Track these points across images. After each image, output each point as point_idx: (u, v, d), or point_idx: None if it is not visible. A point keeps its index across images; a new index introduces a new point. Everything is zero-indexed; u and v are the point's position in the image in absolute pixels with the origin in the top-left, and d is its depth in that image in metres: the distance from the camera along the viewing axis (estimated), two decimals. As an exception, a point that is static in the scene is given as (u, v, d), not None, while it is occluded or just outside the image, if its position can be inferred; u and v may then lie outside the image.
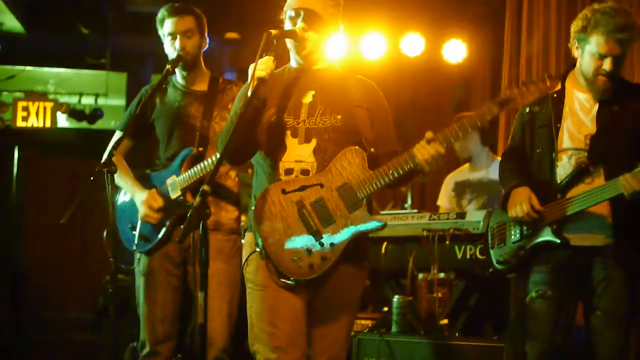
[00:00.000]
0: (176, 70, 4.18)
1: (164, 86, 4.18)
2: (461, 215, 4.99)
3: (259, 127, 3.25)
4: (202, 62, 4.23)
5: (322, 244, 3.13)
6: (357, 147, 3.19)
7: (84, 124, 8.55)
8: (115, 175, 3.94)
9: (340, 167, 3.18)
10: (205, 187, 2.88)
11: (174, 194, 4.10)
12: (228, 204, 4.19)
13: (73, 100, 8.76)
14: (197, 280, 2.95)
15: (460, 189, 5.81)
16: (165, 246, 4.12)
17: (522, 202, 3.74)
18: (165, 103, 4.16)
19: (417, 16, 7.68)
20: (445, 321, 4.93)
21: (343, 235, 3.13)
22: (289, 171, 3.22)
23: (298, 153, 3.22)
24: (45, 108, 8.66)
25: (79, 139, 8.61)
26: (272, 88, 3.28)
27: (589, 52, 3.68)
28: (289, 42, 3.31)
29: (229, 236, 4.14)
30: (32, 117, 8.63)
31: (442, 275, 5.17)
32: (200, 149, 4.11)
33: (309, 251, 3.14)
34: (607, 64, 3.65)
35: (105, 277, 6.71)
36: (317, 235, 3.14)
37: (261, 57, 3.15)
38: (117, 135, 4.22)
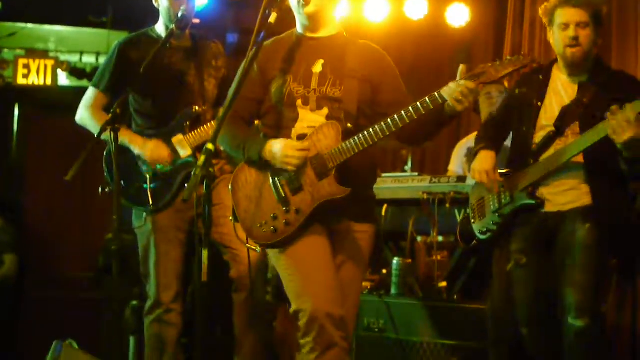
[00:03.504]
0: (161, 24, 4.16)
1: (139, 40, 4.16)
2: (462, 178, 5.01)
3: (267, 95, 3.32)
4: None
5: (288, 210, 3.20)
6: (333, 122, 3.23)
7: (84, 83, 8.49)
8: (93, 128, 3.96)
9: (316, 140, 3.22)
10: (209, 146, 2.91)
11: (184, 153, 4.09)
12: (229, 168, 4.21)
13: (74, 58, 8.69)
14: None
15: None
16: (174, 204, 4.14)
17: (483, 169, 3.88)
18: (148, 59, 4.00)
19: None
20: (444, 284, 4.97)
21: (308, 203, 3.19)
22: (301, 137, 3.26)
23: (311, 119, 3.27)
24: (46, 66, 8.60)
25: (80, 97, 8.55)
26: (279, 55, 3.32)
27: (557, 28, 3.83)
28: (293, 1, 3.30)
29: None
30: (33, 75, 8.57)
31: (441, 238, 5.21)
32: (203, 107, 4.11)
33: (274, 217, 3.21)
34: (570, 31, 3.77)
35: (106, 236, 6.75)
36: (284, 203, 3.21)
37: (264, 14, 3.15)
38: (92, 91, 4.25)
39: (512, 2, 6.99)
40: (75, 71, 8.49)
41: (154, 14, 4.34)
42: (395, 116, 3.12)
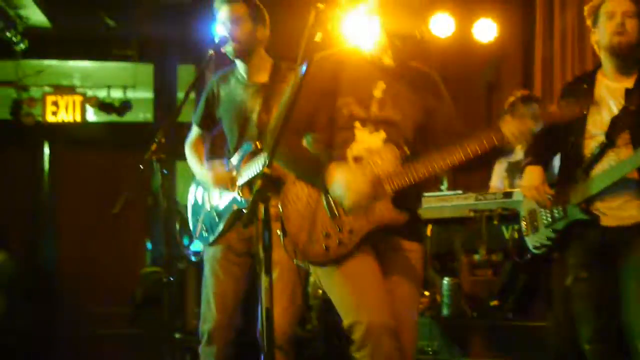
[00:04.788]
0: (236, 61, 4.16)
1: (228, 78, 4.19)
2: (508, 194, 4.95)
3: (323, 110, 3.26)
4: (263, 53, 4.15)
5: (341, 230, 3.14)
6: (391, 145, 3.19)
7: (113, 117, 8.51)
8: (187, 157, 4.00)
9: (373, 162, 3.17)
10: (266, 170, 2.86)
11: (232, 189, 4.10)
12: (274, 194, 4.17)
13: (101, 93, 8.72)
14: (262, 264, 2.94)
15: (515, 169, 5.74)
16: (227, 238, 4.13)
17: (532, 185, 3.79)
18: (228, 96, 4.15)
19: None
20: (496, 302, 4.90)
21: (363, 226, 3.13)
22: (357, 159, 3.21)
23: (368, 141, 3.22)
24: (74, 102, 8.62)
25: (109, 133, 8.59)
26: (338, 71, 3.28)
27: (602, 21, 3.76)
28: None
29: (278, 224, 4.12)
30: (62, 112, 8.60)
31: (478, 257, 5.15)
32: (259, 143, 4.10)
33: (327, 235, 3.15)
34: (617, 18, 3.71)
35: (142, 270, 6.72)
36: (337, 222, 3.15)
37: (310, 34, 3.11)
38: (193, 129, 4.33)
39: (540, 15, 6.95)
40: (103, 106, 8.50)
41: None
42: (459, 149, 3.09)
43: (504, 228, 4.85)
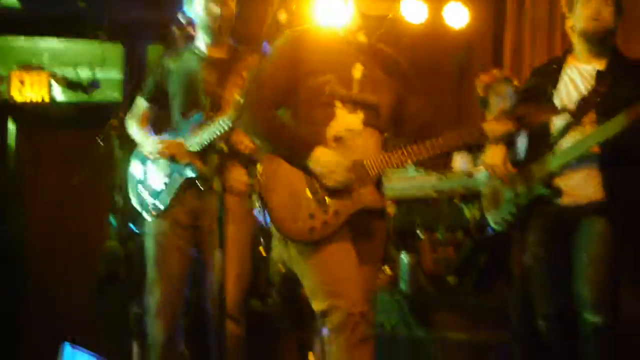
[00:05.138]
0: (201, 35, 4.16)
1: (180, 52, 4.19)
2: (470, 174, 4.96)
3: (302, 87, 3.29)
4: (227, 31, 4.26)
5: (326, 211, 3.16)
6: (372, 129, 3.27)
7: (80, 96, 8.43)
8: (132, 130, 3.98)
9: (354, 144, 3.22)
10: (222, 145, 2.93)
11: (183, 159, 4.09)
12: (238, 167, 4.16)
13: (69, 72, 8.63)
14: (214, 238, 2.96)
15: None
16: (173, 211, 4.10)
17: (494, 162, 3.85)
18: (180, 67, 4.20)
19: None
20: (452, 278, 4.91)
21: (348, 208, 3.19)
22: (337, 139, 3.24)
23: (348, 121, 3.25)
24: (41, 80, 8.53)
25: (76, 111, 8.49)
26: (316, 48, 3.32)
27: (579, 7, 3.85)
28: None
29: (237, 198, 4.10)
30: (28, 90, 8.50)
31: (439, 235, 5.16)
32: (211, 114, 4.08)
33: (312, 215, 3.17)
34: (593, 3, 3.80)
35: (106, 243, 6.67)
36: (321, 203, 3.18)
37: (274, 14, 3.14)
38: (138, 101, 4.39)
39: (511, 1, 6.95)
40: (70, 84, 8.41)
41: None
42: (441, 140, 3.23)
43: (464, 207, 4.86)
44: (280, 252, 3.42)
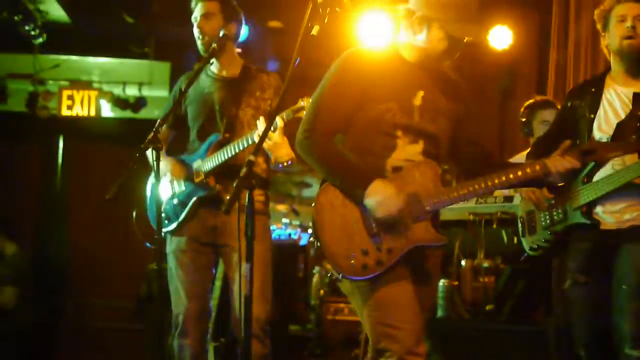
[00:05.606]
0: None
1: (196, 72, 4.21)
2: (509, 198, 4.91)
3: (362, 113, 3.16)
4: (234, 50, 4.25)
5: (379, 249, 3.05)
6: (431, 161, 3.12)
7: (127, 113, 8.57)
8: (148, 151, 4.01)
9: (411, 177, 3.09)
10: (251, 157, 2.85)
11: (197, 177, 4.12)
12: (256, 187, 4.16)
13: (117, 89, 8.78)
14: (243, 252, 2.93)
15: None
16: (191, 228, 4.13)
17: (531, 188, 3.82)
18: (196, 90, 4.17)
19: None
20: (491, 306, 4.86)
21: (402, 245, 3.05)
22: (396, 169, 3.13)
23: (408, 152, 3.13)
24: (89, 97, 8.69)
25: (123, 128, 8.63)
26: (378, 73, 3.18)
27: (613, 24, 3.74)
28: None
29: (256, 217, 4.11)
30: (77, 106, 8.66)
31: (486, 264, 5.10)
32: (227, 135, 4.12)
33: (365, 252, 3.05)
34: (628, 22, 3.69)
35: (148, 265, 6.73)
36: (375, 239, 3.06)
37: (307, 27, 3.07)
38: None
39: (555, 23, 6.89)
40: (118, 102, 8.56)
41: (194, 44, 4.38)
42: (503, 177, 3.10)
43: (503, 232, 4.81)
44: (340, 284, 3.35)
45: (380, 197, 3.02)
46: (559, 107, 4.92)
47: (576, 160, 3.09)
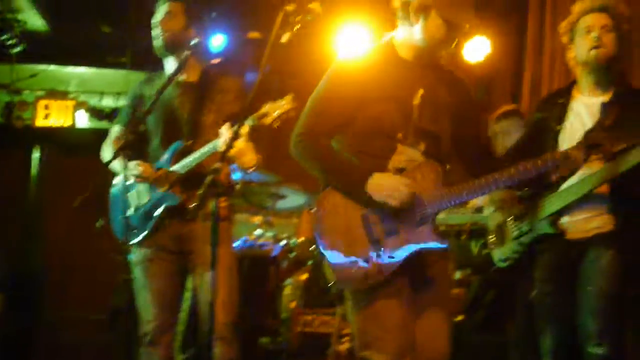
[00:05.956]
0: (167, 60, 4.18)
1: (153, 79, 4.19)
2: (479, 209, 4.91)
3: (361, 115, 3.15)
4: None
5: (380, 255, 3.03)
6: (433, 162, 3.10)
7: (104, 124, 8.53)
8: (107, 157, 3.98)
9: (413, 179, 3.05)
10: (217, 166, 2.88)
11: (162, 187, 4.09)
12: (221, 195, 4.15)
13: (94, 99, 8.74)
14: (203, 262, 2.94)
15: None
16: (157, 238, 4.11)
17: (499, 197, 3.89)
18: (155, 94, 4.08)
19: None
20: (461, 317, 4.86)
21: (403, 250, 3.02)
22: (399, 170, 3.09)
23: (409, 154, 3.11)
24: (66, 107, 8.65)
25: (99, 139, 8.56)
26: (376, 73, 3.16)
27: (580, 36, 3.77)
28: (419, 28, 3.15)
29: (221, 223, 4.09)
30: (53, 116, 8.62)
31: (458, 274, 5.10)
32: (190, 141, 4.10)
33: (366, 260, 3.03)
34: (594, 33, 3.72)
35: (120, 277, 6.70)
36: (376, 245, 3.04)
37: (276, 35, 3.07)
38: (116, 130, 4.25)
39: (531, 34, 6.92)
40: (95, 112, 8.53)
41: None
42: (512, 170, 3.05)
43: (472, 244, 4.81)
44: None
45: (385, 187, 2.99)
46: (523, 116, 4.94)
47: (582, 154, 3.11)
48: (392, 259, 3.01)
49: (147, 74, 4.38)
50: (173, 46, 4.16)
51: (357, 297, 3.12)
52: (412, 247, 3.02)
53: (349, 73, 3.15)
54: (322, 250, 3.10)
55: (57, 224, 8.46)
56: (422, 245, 3.03)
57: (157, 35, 4.16)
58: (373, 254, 3.03)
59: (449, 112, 3.18)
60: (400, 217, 3.03)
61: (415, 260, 3.05)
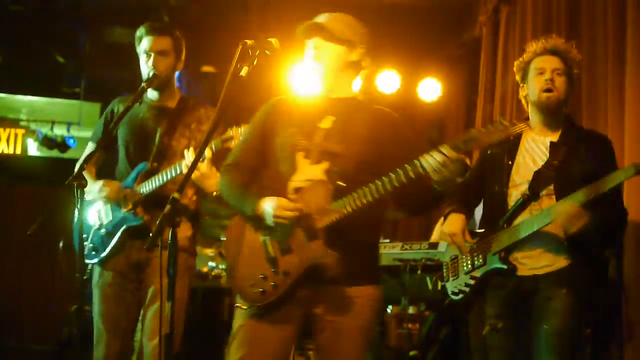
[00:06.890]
0: (149, 90, 4.19)
1: (132, 98, 4.18)
2: (434, 245, 4.96)
3: (270, 148, 3.26)
4: (174, 81, 4.23)
5: (276, 272, 3.10)
6: (323, 180, 3.13)
7: (54, 153, 8.45)
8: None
9: (308, 198, 3.11)
10: (175, 195, 2.83)
11: (125, 207, 4.07)
12: (182, 222, 4.12)
13: (45, 128, 8.67)
14: (164, 290, 2.89)
15: None
16: (117, 262, 4.07)
17: (452, 231, 3.81)
18: (130, 113, 4.07)
19: (392, 54, 7.71)
20: (415, 352, 4.88)
21: (296, 266, 3.08)
22: (297, 190, 3.15)
23: (309, 173, 3.16)
24: (16, 135, 8.56)
25: (49, 168, 8.50)
26: (288, 110, 3.30)
27: (532, 76, 3.82)
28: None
29: (180, 254, 4.05)
30: (3, 144, 8.52)
31: (412, 309, 5.13)
32: (155, 164, 4.09)
33: (264, 277, 3.11)
34: (546, 75, 3.77)
35: (71, 308, 6.60)
36: (273, 263, 3.11)
37: (235, 68, 3.11)
38: (90, 147, 4.24)
39: (482, 77, 7.07)
40: (45, 141, 8.45)
41: (127, 85, 4.36)
42: (378, 183, 3.01)
43: (428, 279, 4.84)
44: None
45: (271, 208, 3.07)
46: (467, 161, 5.01)
47: (454, 150, 2.93)
48: (286, 276, 3.08)
49: (124, 95, 4.36)
50: (164, 84, 4.18)
51: (240, 314, 3.18)
52: (305, 263, 3.07)
53: (266, 111, 3.30)
54: (231, 276, 3.21)
55: (5, 253, 8.33)
56: (313, 262, 3.06)
57: (148, 73, 4.12)
58: (270, 271, 3.11)
59: (364, 140, 3.17)
60: (291, 235, 3.11)
61: (317, 274, 3.06)
